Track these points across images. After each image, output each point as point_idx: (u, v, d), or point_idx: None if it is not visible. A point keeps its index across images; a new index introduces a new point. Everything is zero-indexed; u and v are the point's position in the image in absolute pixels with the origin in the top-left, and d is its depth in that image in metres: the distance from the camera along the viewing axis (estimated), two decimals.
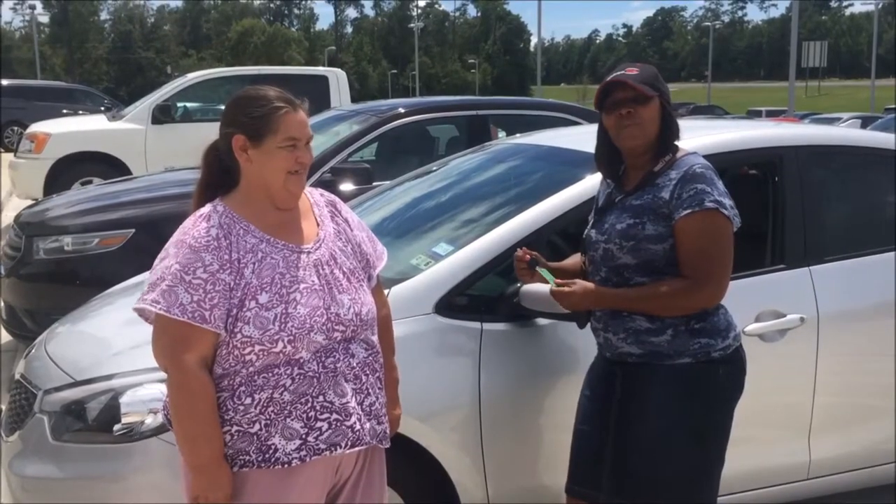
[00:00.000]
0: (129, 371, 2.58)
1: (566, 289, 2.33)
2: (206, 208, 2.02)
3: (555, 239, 2.99)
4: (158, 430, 2.43)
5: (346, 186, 5.33)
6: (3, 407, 3.00)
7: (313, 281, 1.99)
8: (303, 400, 1.95)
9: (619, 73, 2.37)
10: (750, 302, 2.95)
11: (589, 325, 2.48)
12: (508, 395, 2.70)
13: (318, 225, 2.11)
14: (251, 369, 1.94)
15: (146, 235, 5.10)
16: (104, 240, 5.13)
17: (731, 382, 2.38)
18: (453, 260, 2.77)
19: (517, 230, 2.81)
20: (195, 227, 1.98)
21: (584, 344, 2.61)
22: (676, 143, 2.40)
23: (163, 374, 2.47)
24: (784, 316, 2.95)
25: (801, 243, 3.07)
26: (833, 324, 3.02)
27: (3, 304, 5.44)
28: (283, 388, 1.94)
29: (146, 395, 2.49)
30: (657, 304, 2.30)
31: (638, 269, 2.32)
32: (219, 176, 2.07)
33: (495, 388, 2.67)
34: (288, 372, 1.94)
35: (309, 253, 2.03)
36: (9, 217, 8.23)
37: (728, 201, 2.29)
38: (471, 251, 2.78)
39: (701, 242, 2.26)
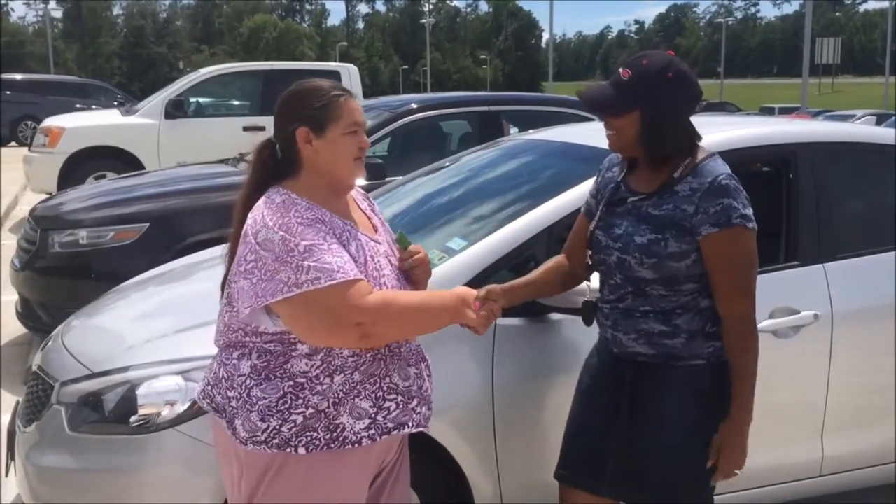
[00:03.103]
0: (146, 363, 2.60)
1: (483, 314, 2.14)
2: (280, 196, 1.97)
3: (567, 236, 2.98)
4: (175, 422, 2.45)
5: (359, 182, 5.33)
6: (20, 399, 3.03)
7: (390, 270, 2.06)
8: (371, 381, 1.99)
9: (620, 69, 2.27)
10: (764, 298, 2.90)
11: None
12: (522, 389, 2.70)
13: (369, 218, 2.18)
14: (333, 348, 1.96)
15: (160, 230, 5.15)
16: (119, 234, 5.17)
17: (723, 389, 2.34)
18: (467, 255, 2.78)
19: (530, 226, 2.82)
20: (289, 210, 1.94)
21: (597, 339, 2.61)
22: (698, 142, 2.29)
23: (179, 366, 2.53)
24: (798, 313, 2.95)
25: (814, 240, 3.06)
26: (847, 321, 3.02)
27: (18, 296, 5.48)
28: (353, 369, 1.97)
29: (162, 387, 2.50)
30: (750, 359, 2.24)
31: (657, 283, 2.26)
32: (273, 172, 2.06)
33: (509, 383, 2.68)
34: (362, 352, 1.98)
35: (380, 243, 2.10)
36: (24, 211, 8.29)
37: (750, 211, 2.22)
38: (484, 246, 2.78)
39: (730, 261, 2.21)
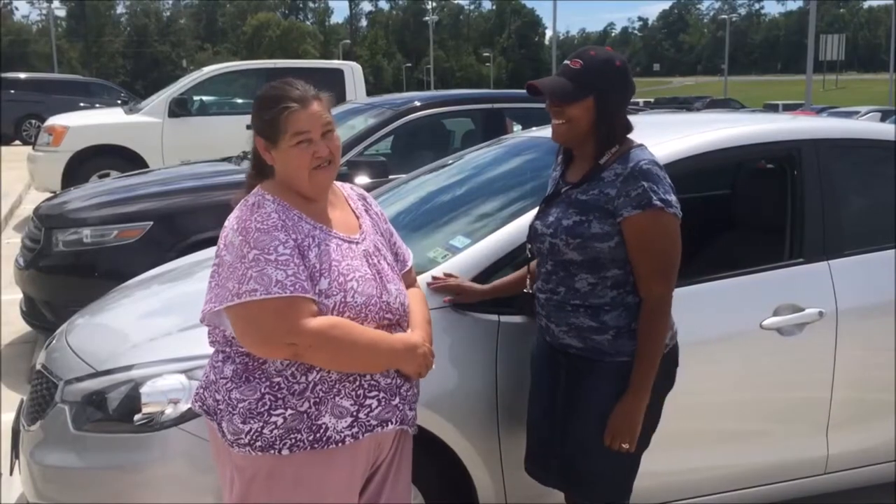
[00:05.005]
0: (149, 362, 2.60)
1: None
2: (254, 197, 2.01)
3: None
4: (179, 420, 2.45)
5: (362, 180, 5.34)
6: (24, 397, 3.03)
7: (365, 270, 2.03)
8: (350, 378, 1.98)
9: (565, 62, 2.36)
10: (768, 296, 2.94)
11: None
12: (525, 388, 2.69)
13: (357, 217, 2.15)
14: None
15: (164, 228, 5.15)
16: (122, 232, 5.17)
17: (664, 379, 2.39)
18: (471, 253, 2.78)
19: None
20: (253, 213, 1.96)
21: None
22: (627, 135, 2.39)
23: (182, 365, 2.52)
24: (802, 310, 2.94)
25: (819, 237, 3.05)
26: (852, 318, 3.01)
27: (22, 295, 5.49)
28: None
29: (166, 386, 2.50)
30: (658, 339, 2.28)
31: (583, 266, 2.33)
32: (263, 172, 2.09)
33: (512, 381, 2.67)
34: None
35: (358, 243, 2.07)
36: (28, 209, 8.31)
37: (672, 198, 2.27)
38: (488, 244, 2.78)
39: (650, 243, 2.27)
